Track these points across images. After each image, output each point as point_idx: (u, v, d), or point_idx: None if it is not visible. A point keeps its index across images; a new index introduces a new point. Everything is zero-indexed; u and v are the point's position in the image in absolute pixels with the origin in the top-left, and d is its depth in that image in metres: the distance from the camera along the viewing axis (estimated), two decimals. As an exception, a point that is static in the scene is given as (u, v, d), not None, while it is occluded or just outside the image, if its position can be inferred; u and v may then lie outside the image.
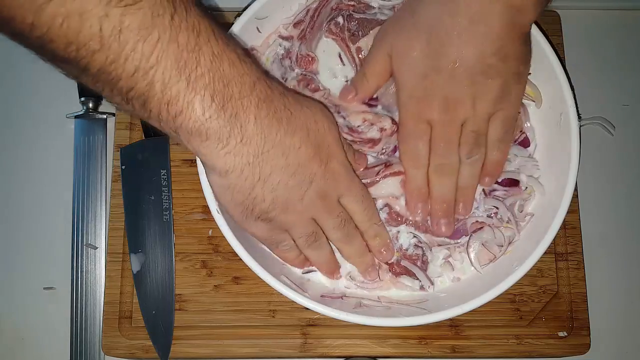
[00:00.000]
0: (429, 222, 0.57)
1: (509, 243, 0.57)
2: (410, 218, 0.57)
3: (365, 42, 0.59)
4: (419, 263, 0.56)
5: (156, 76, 0.37)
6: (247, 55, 0.43)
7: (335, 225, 0.52)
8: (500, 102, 0.52)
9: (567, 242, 0.63)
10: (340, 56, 0.61)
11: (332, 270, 0.57)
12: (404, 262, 0.56)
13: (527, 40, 0.53)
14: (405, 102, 0.54)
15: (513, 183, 0.58)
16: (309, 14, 0.61)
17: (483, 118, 0.53)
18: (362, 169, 0.57)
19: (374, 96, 0.59)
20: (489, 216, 0.57)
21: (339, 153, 0.50)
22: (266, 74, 0.45)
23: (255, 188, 0.45)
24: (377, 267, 0.57)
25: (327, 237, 0.54)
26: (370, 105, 0.58)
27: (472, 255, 0.57)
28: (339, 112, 0.57)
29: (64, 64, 0.37)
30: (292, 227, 0.50)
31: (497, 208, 0.57)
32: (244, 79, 0.42)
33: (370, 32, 0.59)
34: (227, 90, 0.41)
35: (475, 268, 0.57)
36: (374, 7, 0.61)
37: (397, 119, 0.57)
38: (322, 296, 0.55)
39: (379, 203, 0.57)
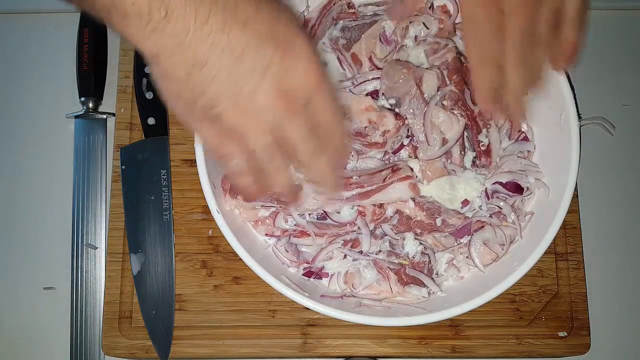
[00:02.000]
0: (437, 222, 0.57)
1: (511, 242, 0.57)
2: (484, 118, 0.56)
3: (359, 47, 0.59)
4: (425, 270, 0.56)
5: None
6: None
7: (305, 135, 0.43)
8: None
9: (567, 242, 0.64)
10: (339, 63, 0.61)
11: (295, 196, 0.49)
12: (410, 271, 0.56)
13: None
14: None
15: (518, 189, 0.58)
16: (310, 23, 0.61)
17: None
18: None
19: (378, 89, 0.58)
20: (490, 215, 0.57)
21: (302, 37, 0.41)
22: None
23: (192, 75, 0.39)
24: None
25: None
26: (373, 98, 0.58)
27: (474, 255, 0.57)
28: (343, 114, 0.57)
29: None
30: (246, 132, 0.42)
31: (501, 208, 0.57)
32: None
33: (362, 36, 0.60)
34: None
35: (478, 267, 0.57)
36: (368, 15, 0.61)
37: (402, 113, 0.57)
38: (322, 296, 0.55)
39: (389, 210, 0.57)
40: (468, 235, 0.57)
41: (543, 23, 0.48)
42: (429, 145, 0.56)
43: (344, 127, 0.47)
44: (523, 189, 0.58)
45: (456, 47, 0.59)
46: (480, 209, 0.58)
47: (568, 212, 0.54)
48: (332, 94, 0.44)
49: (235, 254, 0.53)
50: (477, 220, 0.57)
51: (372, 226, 0.57)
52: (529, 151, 0.60)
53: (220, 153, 0.44)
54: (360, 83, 0.59)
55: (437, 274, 0.57)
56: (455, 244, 0.57)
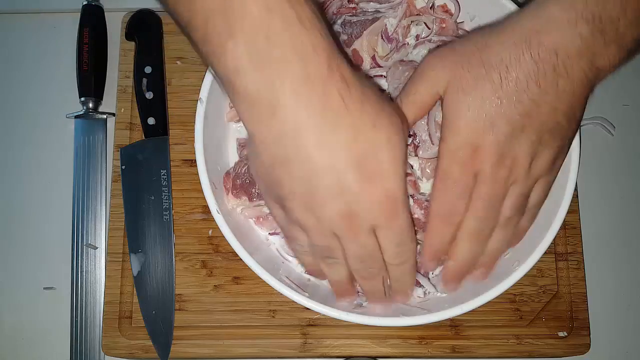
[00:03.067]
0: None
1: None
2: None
3: (360, 43, 0.59)
4: (422, 271, 0.56)
5: (197, 6, 0.36)
6: (319, 20, 0.38)
7: (356, 255, 0.44)
8: (553, 166, 0.49)
9: (567, 242, 0.63)
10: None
11: (343, 294, 0.52)
12: None
13: (586, 102, 0.48)
14: (455, 147, 0.46)
15: None
16: None
17: (533, 181, 0.48)
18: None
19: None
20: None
21: (391, 176, 0.41)
22: (339, 52, 0.39)
23: (275, 169, 0.40)
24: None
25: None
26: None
27: None
28: None
29: None
30: (307, 230, 0.43)
31: None
32: (295, 42, 0.36)
33: (364, 32, 0.59)
34: (268, 49, 0.36)
35: None
36: (370, 11, 0.61)
37: None
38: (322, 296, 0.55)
39: None
40: None
41: (509, 205, 0.48)
42: (432, 144, 0.56)
43: (410, 264, 0.48)
44: None
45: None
46: None
47: (568, 212, 0.54)
48: (405, 228, 0.44)
49: (235, 254, 0.53)
50: None
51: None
52: None
53: (288, 235, 0.48)
54: None
55: (432, 274, 0.57)
56: None
